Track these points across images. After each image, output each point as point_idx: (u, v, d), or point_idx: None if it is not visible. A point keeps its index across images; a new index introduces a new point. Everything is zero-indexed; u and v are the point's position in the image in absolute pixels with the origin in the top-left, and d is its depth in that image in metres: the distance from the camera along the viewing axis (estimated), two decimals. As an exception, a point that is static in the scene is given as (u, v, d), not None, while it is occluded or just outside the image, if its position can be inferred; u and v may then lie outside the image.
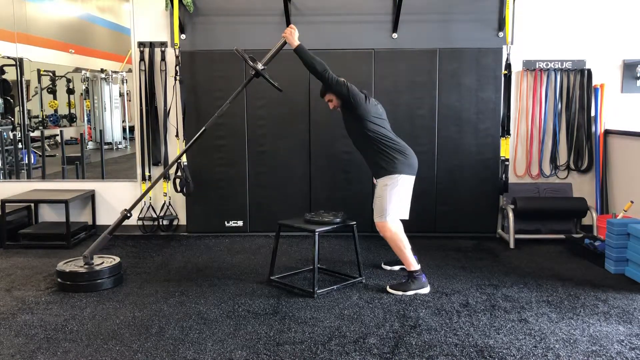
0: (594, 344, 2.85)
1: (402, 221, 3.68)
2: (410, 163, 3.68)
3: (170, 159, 5.08)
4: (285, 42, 3.65)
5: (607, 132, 5.05)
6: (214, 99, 5.01)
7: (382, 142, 3.63)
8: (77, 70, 11.00)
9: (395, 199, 3.60)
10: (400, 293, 3.56)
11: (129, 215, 3.87)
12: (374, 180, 4.01)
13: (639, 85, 5.10)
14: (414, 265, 3.63)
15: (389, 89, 4.98)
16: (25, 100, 8.45)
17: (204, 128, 3.87)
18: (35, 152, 7.51)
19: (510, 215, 4.74)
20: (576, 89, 5.07)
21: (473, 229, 5.09)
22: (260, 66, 3.67)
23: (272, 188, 5.12)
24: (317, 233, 3.57)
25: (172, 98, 5.01)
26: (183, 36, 4.97)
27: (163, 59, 5.02)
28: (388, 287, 3.64)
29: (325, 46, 4.88)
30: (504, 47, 4.95)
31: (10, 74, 8.19)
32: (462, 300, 3.47)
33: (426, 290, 3.61)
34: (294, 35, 3.57)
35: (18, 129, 8.04)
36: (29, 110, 9.42)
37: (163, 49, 5.01)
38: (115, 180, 5.51)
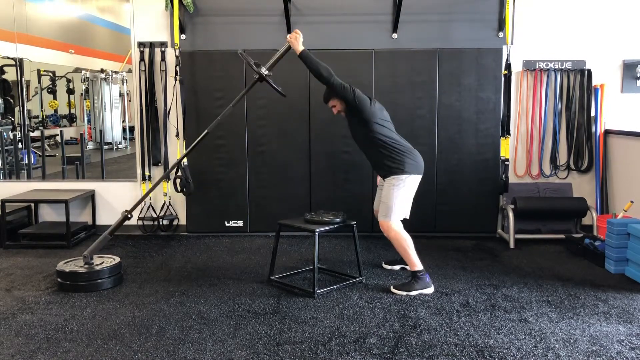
0: (594, 344, 2.85)
1: (402, 221, 3.68)
2: (417, 163, 3.68)
3: (171, 159, 5.08)
4: (289, 47, 3.61)
5: (607, 132, 5.05)
6: (214, 99, 5.01)
7: (389, 144, 3.63)
8: (77, 70, 11.00)
9: (400, 199, 3.61)
10: (404, 293, 3.56)
11: (129, 216, 3.89)
12: (379, 180, 4.01)
13: (639, 85, 5.10)
14: (417, 265, 3.63)
15: (389, 89, 4.98)
16: (25, 100, 8.45)
17: (206, 131, 3.85)
18: (35, 152, 7.51)
19: (510, 215, 4.74)
20: (576, 89, 5.07)
21: (473, 229, 5.09)
22: (264, 71, 3.64)
23: (272, 188, 5.11)
24: (317, 233, 3.57)
25: (172, 98, 5.01)
26: (183, 36, 4.97)
27: (163, 59, 5.02)
28: (392, 287, 3.63)
29: (325, 46, 4.88)
30: (504, 47, 4.95)
31: (10, 74, 8.20)
32: (462, 300, 3.47)
33: (430, 290, 3.61)
34: (298, 41, 3.53)
35: (18, 129, 8.04)
36: (29, 110, 9.43)
37: (163, 49, 5.01)
38: (115, 180, 5.51)
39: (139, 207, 5.11)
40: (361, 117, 3.62)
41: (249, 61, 3.64)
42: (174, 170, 4.97)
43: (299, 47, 3.53)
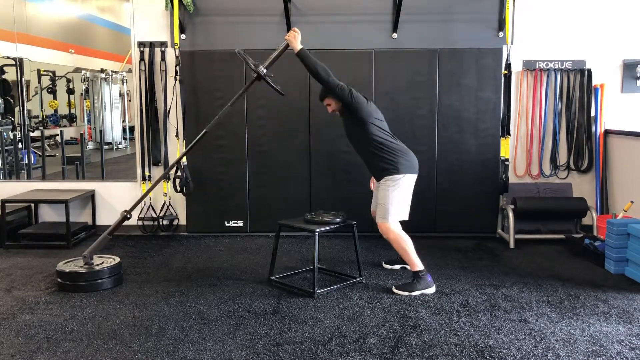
0: (594, 344, 2.85)
1: (402, 221, 3.67)
2: (411, 163, 3.68)
3: (171, 159, 5.08)
4: (287, 45, 3.60)
5: (607, 132, 5.05)
6: (214, 99, 5.01)
7: (383, 145, 3.62)
8: (77, 70, 11.01)
9: (397, 200, 3.60)
10: (406, 293, 3.55)
11: (128, 216, 3.88)
12: (373, 185, 4.00)
13: (639, 85, 5.10)
14: (418, 265, 3.63)
15: (389, 89, 4.98)
16: (25, 100, 8.45)
17: (204, 131, 3.84)
18: (35, 152, 7.51)
19: (510, 215, 4.74)
20: (576, 89, 5.07)
21: (473, 229, 5.09)
22: (262, 70, 3.63)
23: (272, 188, 5.11)
24: (317, 233, 3.57)
25: (172, 98, 5.01)
26: (183, 36, 4.97)
27: (163, 59, 5.01)
28: (394, 287, 3.63)
29: (325, 46, 4.88)
30: (504, 47, 4.95)
31: (10, 74, 8.19)
32: (462, 300, 3.47)
33: (432, 290, 3.60)
34: (297, 39, 3.53)
35: (18, 129, 8.04)
36: (29, 110, 9.43)
37: (163, 49, 5.01)
38: (115, 181, 5.51)
39: (139, 207, 5.11)
40: (357, 116, 3.62)
41: (247, 60, 3.63)
42: (174, 170, 4.98)
43: (297, 46, 3.52)
